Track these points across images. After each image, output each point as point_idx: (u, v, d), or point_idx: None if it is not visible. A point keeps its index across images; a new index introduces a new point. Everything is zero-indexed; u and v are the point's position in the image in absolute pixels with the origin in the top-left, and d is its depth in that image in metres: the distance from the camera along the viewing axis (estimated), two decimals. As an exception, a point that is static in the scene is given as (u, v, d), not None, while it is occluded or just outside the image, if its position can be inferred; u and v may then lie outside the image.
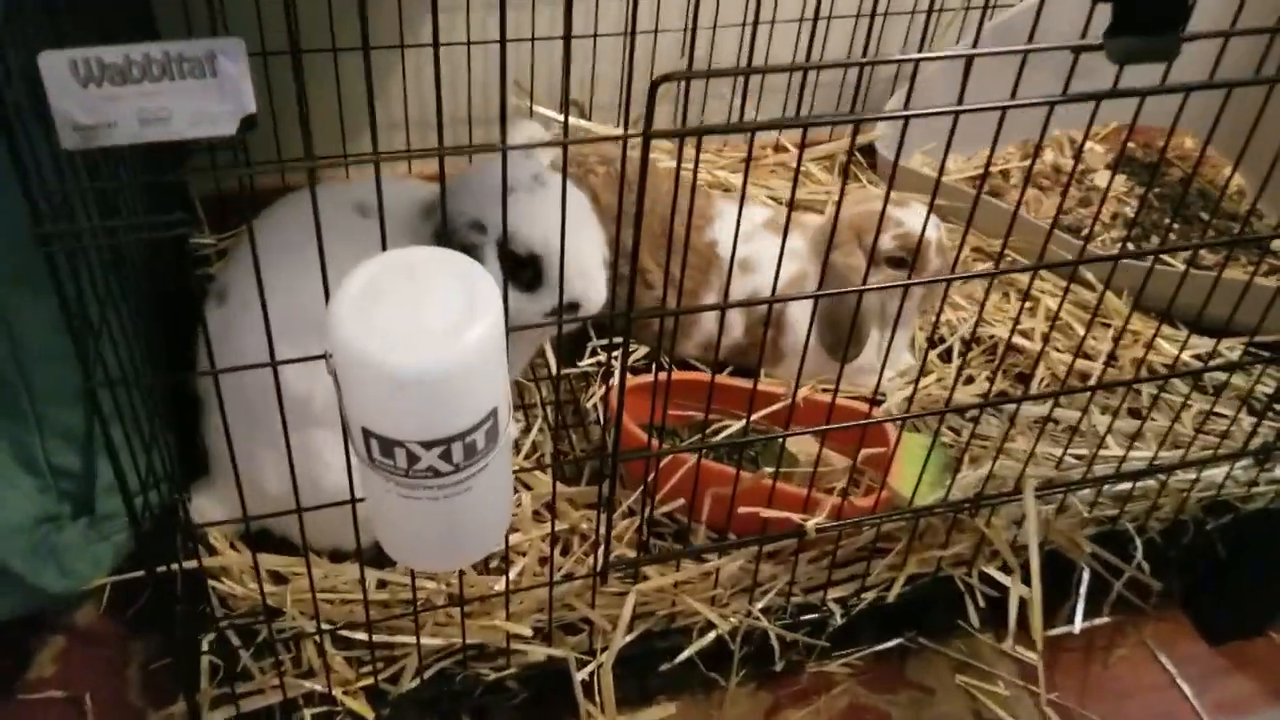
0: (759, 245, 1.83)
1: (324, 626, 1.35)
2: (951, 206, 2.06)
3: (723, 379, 1.75)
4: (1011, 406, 1.78)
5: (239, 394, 1.31)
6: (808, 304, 1.82)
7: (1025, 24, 2.19)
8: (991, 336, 1.99)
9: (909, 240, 1.74)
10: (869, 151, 2.33)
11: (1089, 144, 2.38)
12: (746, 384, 1.71)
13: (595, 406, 1.81)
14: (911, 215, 1.76)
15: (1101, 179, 2.32)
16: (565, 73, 0.88)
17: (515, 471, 1.64)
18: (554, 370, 1.85)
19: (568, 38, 0.93)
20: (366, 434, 0.94)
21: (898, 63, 2.01)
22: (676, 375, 1.74)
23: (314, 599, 1.28)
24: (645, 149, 0.99)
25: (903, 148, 2.17)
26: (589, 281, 1.37)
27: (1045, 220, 2.19)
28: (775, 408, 1.62)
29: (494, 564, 1.54)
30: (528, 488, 1.64)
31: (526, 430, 1.76)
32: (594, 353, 1.93)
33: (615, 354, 1.90)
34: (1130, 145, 2.40)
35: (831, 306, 1.76)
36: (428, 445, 0.93)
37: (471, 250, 1.33)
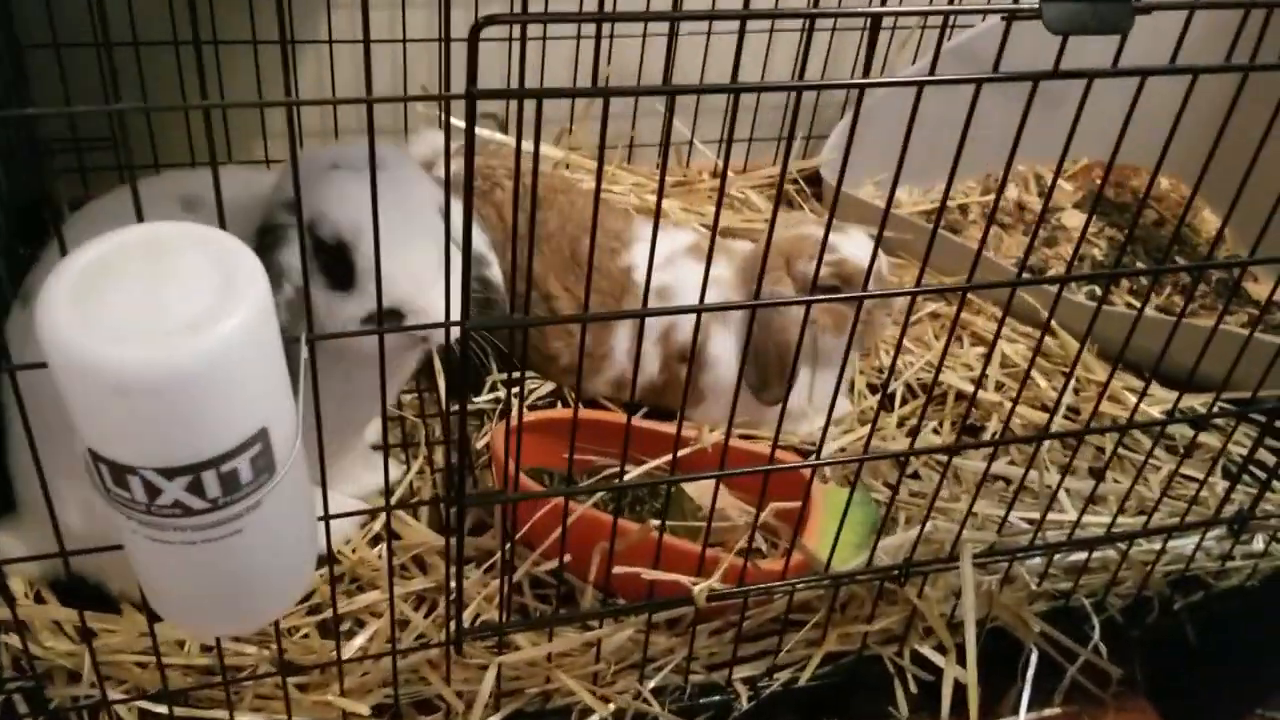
0: (679, 272, 1.64)
1: (115, 696, 1.13)
2: (901, 239, 1.88)
3: (608, 415, 1.55)
4: (959, 460, 1.58)
5: (38, 415, 1.10)
6: (729, 339, 1.63)
7: (984, 46, 2.06)
8: (943, 384, 1.79)
9: (844, 268, 1.55)
10: (814, 180, 2.15)
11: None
12: (635, 421, 1.51)
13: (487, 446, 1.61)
14: (848, 242, 1.57)
15: (1068, 217, 2.14)
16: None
17: (371, 512, 1.44)
18: (444, 405, 1.65)
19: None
20: (94, 457, 0.74)
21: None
22: (554, 414, 1.54)
23: (94, 663, 1.06)
24: (470, 110, 0.80)
25: (850, 171, 2.00)
26: (417, 286, 1.11)
27: (1007, 259, 2.01)
28: (687, 451, 1.42)
29: (346, 627, 1.32)
30: (396, 537, 1.43)
31: (406, 472, 1.55)
32: (493, 387, 1.72)
33: (515, 390, 1.70)
34: (1099, 182, 2.22)
35: (755, 341, 1.56)
36: (168, 474, 0.73)
37: (276, 231, 1.11)
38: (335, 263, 1.14)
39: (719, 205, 0.92)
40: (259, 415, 0.75)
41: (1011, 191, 2.20)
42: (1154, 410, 1.70)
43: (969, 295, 1.90)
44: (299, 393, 0.83)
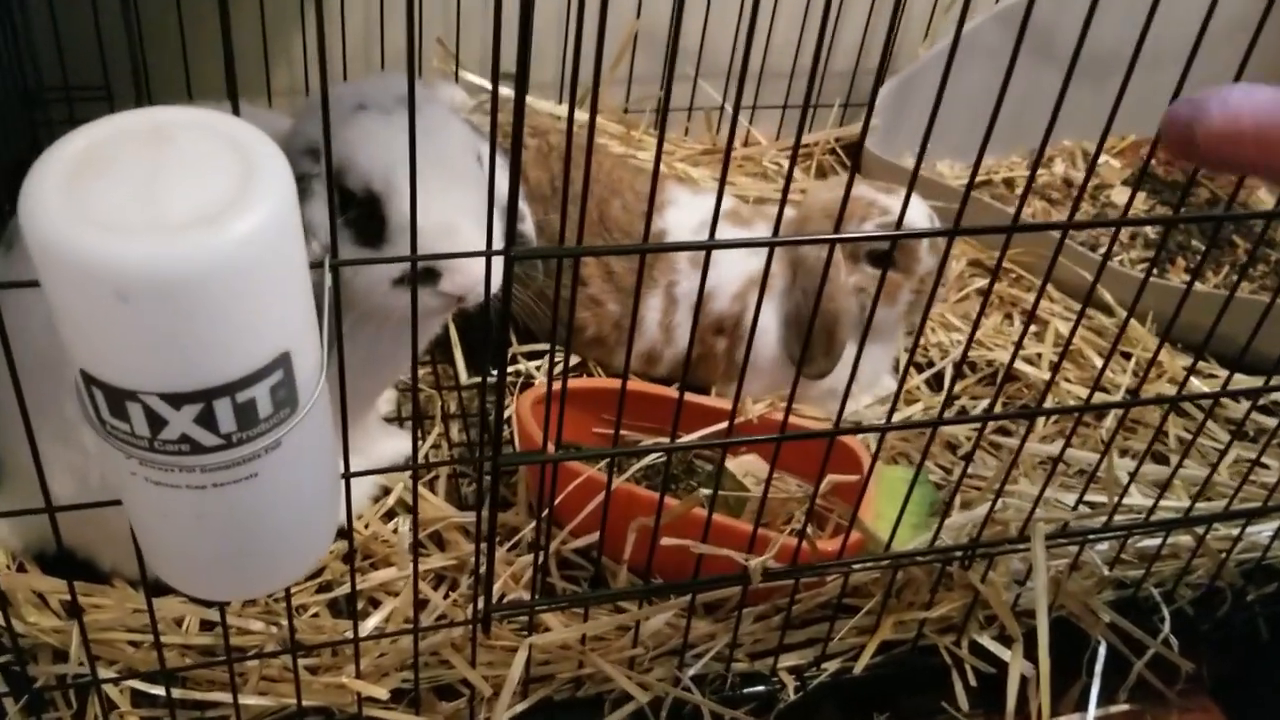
0: (715, 237, 1.53)
1: (105, 675, 1.03)
2: (949, 209, 1.78)
3: (647, 387, 1.44)
4: (1013, 442, 1.48)
5: (22, 374, 1.01)
6: (767, 311, 1.52)
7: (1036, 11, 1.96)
8: (992, 363, 1.69)
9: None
10: (855, 151, 2.04)
11: (1105, 158, 2.11)
12: (677, 395, 1.40)
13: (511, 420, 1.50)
14: (898, 203, 1.47)
15: (1118, 194, 2.04)
16: None
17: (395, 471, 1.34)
18: (460, 377, 1.54)
19: None
20: (88, 380, 0.62)
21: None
22: (589, 383, 1.44)
23: (84, 637, 0.95)
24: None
25: (894, 140, 1.91)
26: (453, 241, 0.99)
27: (1055, 234, 1.91)
28: (718, 427, 1.31)
29: (360, 606, 1.22)
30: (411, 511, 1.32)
31: (420, 445, 1.45)
32: (513, 360, 1.61)
33: (536, 364, 1.60)
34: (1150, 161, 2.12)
35: (799, 310, 1.46)
36: (175, 401, 0.61)
37: (301, 181, 1.00)
38: (364, 216, 1.03)
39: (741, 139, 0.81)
40: (282, 336, 0.63)
41: (1059, 168, 2.10)
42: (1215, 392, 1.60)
43: (1021, 273, 1.82)
44: (322, 327, 0.72)
